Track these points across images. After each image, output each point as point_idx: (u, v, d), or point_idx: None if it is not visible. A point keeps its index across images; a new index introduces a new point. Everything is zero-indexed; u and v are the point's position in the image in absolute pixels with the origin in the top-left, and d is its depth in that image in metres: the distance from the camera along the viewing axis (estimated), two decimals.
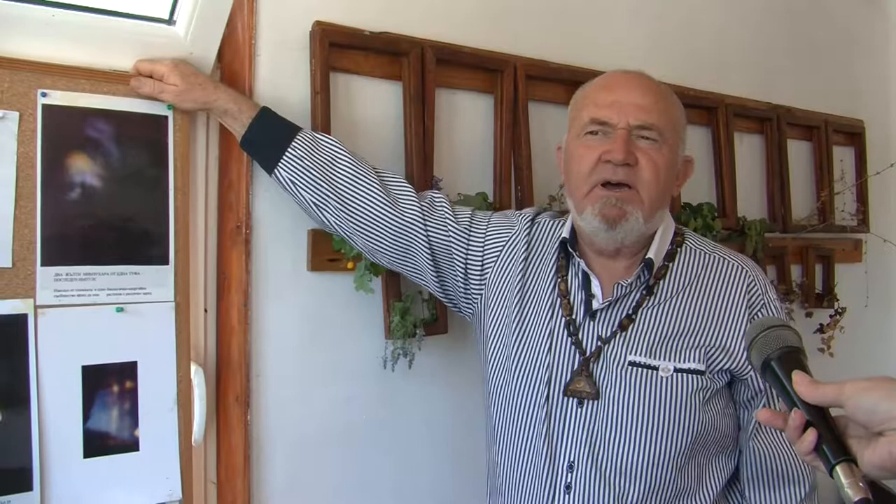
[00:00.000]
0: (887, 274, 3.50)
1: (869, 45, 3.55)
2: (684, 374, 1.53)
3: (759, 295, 1.60)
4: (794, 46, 3.14)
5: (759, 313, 1.58)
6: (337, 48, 1.85)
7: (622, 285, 1.58)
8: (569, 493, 1.55)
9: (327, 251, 1.86)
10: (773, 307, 1.60)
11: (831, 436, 0.94)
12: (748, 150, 2.91)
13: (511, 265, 1.71)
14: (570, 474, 1.56)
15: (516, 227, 1.75)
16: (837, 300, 3.18)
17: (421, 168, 1.95)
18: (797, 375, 0.97)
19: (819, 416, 0.95)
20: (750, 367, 1.54)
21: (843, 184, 3.28)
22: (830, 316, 3.15)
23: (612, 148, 1.53)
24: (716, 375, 1.55)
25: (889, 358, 3.59)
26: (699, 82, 2.69)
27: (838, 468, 0.91)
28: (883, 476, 0.89)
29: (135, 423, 1.63)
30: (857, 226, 3.34)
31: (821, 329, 3.13)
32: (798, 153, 3.12)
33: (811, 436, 0.94)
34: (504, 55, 2.14)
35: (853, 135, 3.39)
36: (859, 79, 3.48)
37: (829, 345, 3.12)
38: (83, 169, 1.58)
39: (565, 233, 1.66)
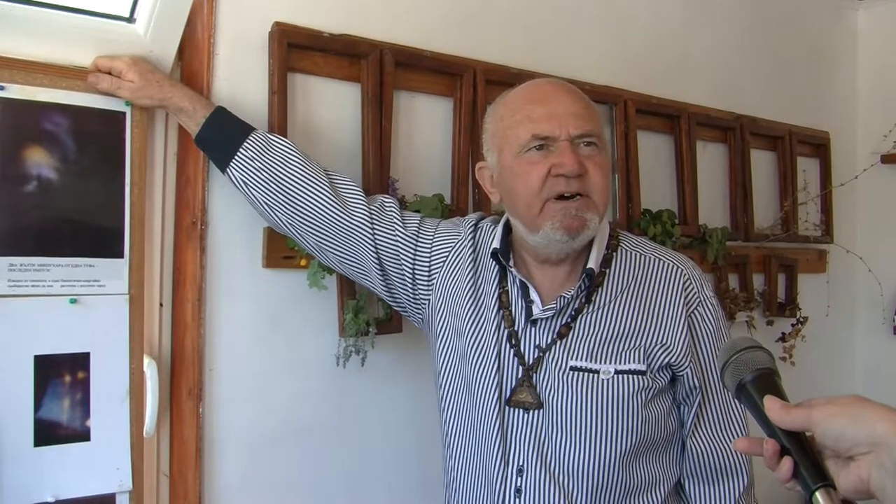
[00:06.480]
0: (849, 284, 3.55)
1: (836, 58, 3.60)
2: (625, 376, 1.55)
3: (695, 293, 1.62)
4: (762, 58, 3.19)
5: (695, 310, 1.61)
6: (296, 49, 1.88)
7: (565, 297, 1.59)
8: (519, 496, 1.58)
9: (282, 248, 1.88)
10: (708, 304, 1.63)
11: (808, 461, 0.92)
12: (711, 158, 2.95)
13: (458, 271, 1.73)
14: (519, 478, 1.58)
15: (462, 234, 1.76)
16: (800, 309, 3.22)
17: (377, 169, 1.98)
18: (769, 401, 0.95)
19: (794, 441, 0.94)
20: (686, 363, 1.57)
21: (807, 194, 3.32)
22: (792, 325, 3.19)
23: (561, 161, 1.51)
24: (657, 374, 1.57)
25: (849, 367, 3.64)
26: (662, 91, 2.73)
27: (817, 494, 0.90)
28: (859, 498, 0.89)
29: (87, 413, 1.65)
30: (821, 236, 3.39)
31: (783, 338, 3.18)
32: (762, 163, 3.17)
33: (787, 464, 0.93)
34: (464, 59, 2.17)
35: (818, 146, 3.43)
36: (826, 91, 3.54)
37: (791, 353, 3.17)
38: (40, 162, 1.61)
39: (496, 243, 1.66)
